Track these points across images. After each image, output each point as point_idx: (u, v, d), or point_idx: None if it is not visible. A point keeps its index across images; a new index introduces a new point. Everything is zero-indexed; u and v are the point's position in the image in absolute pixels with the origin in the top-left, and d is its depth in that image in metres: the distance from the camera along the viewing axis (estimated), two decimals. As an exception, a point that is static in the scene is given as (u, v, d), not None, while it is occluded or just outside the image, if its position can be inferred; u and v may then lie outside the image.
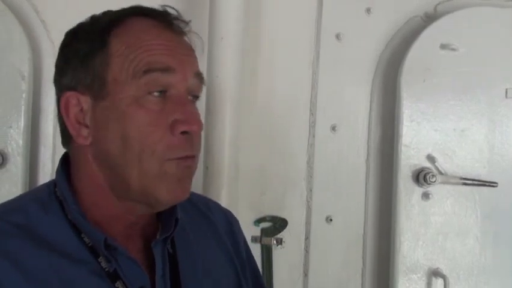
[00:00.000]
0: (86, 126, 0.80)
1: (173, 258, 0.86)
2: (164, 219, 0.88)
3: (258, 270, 1.10)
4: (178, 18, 0.83)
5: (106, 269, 0.77)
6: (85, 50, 0.80)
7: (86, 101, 0.80)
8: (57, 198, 0.82)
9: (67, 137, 0.84)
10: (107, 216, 0.82)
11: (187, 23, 0.84)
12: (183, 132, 0.78)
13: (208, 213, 1.02)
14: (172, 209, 0.87)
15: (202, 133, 1.50)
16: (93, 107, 0.80)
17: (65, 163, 0.85)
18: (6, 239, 0.76)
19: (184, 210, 0.90)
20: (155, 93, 0.78)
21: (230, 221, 1.06)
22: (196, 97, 0.85)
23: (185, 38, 0.85)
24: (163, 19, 0.82)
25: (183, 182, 0.81)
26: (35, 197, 0.83)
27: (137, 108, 0.77)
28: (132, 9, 0.83)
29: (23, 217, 0.79)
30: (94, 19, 0.83)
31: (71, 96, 0.81)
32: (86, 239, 0.78)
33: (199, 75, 0.84)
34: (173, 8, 0.84)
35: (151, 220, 0.88)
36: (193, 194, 1.05)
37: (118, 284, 0.77)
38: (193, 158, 0.82)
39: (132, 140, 0.77)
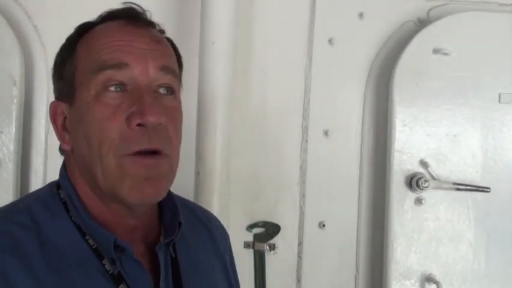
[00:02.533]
0: (68, 132, 0.83)
1: (175, 261, 0.87)
2: (167, 223, 0.88)
3: None
4: (141, 13, 0.84)
5: (110, 272, 0.77)
6: (60, 61, 0.85)
7: (66, 108, 0.83)
8: (61, 200, 0.83)
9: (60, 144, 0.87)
10: (104, 220, 0.82)
11: (149, 19, 0.85)
12: (140, 125, 0.76)
13: (208, 224, 1.03)
14: (175, 213, 0.88)
15: (194, 138, 1.53)
16: (69, 112, 0.83)
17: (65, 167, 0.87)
18: (15, 238, 0.76)
19: (183, 216, 0.89)
20: (112, 88, 0.78)
21: (226, 238, 1.07)
22: (169, 89, 0.82)
23: (153, 32, 0.84)
24: (125, 16, 0.83)
25: (150, 182, 0.78)
26: (39, 199, 0.84)
27: (95, 104, 0.78)
28: (102, 17, 0.85)
29: (28, 218, 0.79)
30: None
31: (56, 105, 0.85)
32: (90, 241, 0.79)
33: (165, 69, 0.81)
34: (136, 4, 0.84)
35: (151, 224, 0.89)
36: (191, 203, 1.08)
37: (122, 286, 0.77)
38: (155, 155, 0.78)
39: (92, 137, 0.78)
